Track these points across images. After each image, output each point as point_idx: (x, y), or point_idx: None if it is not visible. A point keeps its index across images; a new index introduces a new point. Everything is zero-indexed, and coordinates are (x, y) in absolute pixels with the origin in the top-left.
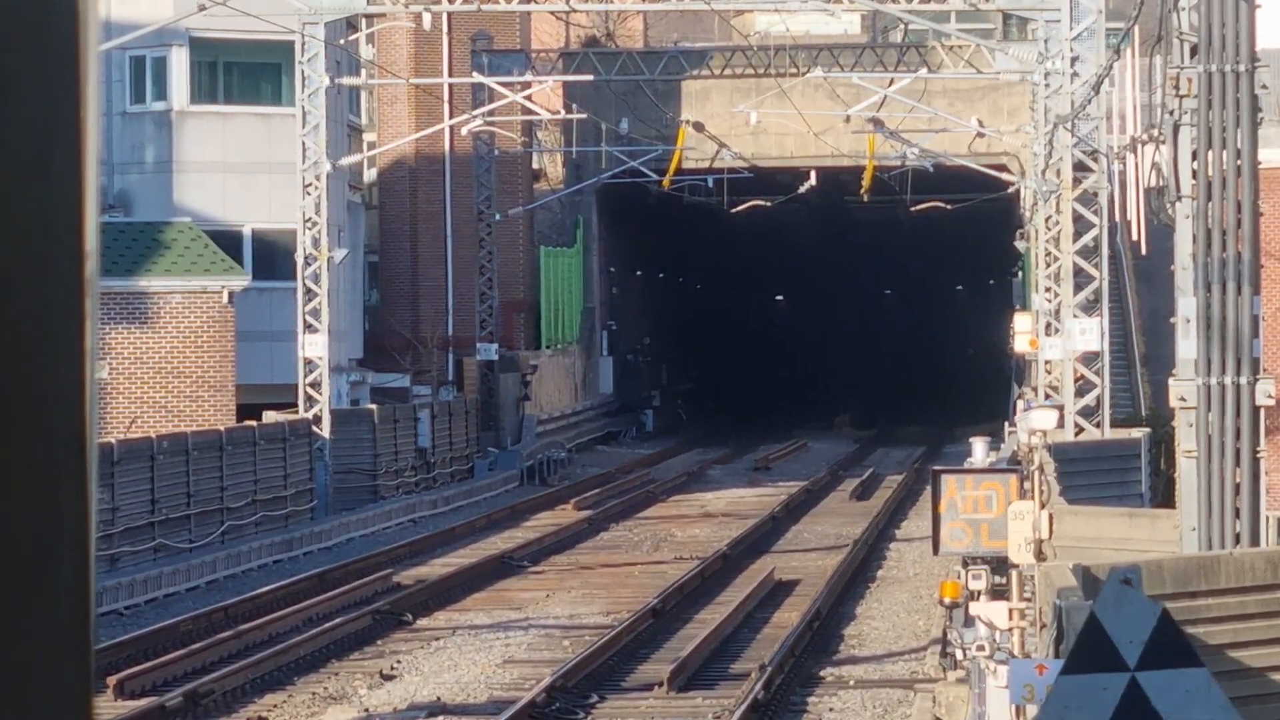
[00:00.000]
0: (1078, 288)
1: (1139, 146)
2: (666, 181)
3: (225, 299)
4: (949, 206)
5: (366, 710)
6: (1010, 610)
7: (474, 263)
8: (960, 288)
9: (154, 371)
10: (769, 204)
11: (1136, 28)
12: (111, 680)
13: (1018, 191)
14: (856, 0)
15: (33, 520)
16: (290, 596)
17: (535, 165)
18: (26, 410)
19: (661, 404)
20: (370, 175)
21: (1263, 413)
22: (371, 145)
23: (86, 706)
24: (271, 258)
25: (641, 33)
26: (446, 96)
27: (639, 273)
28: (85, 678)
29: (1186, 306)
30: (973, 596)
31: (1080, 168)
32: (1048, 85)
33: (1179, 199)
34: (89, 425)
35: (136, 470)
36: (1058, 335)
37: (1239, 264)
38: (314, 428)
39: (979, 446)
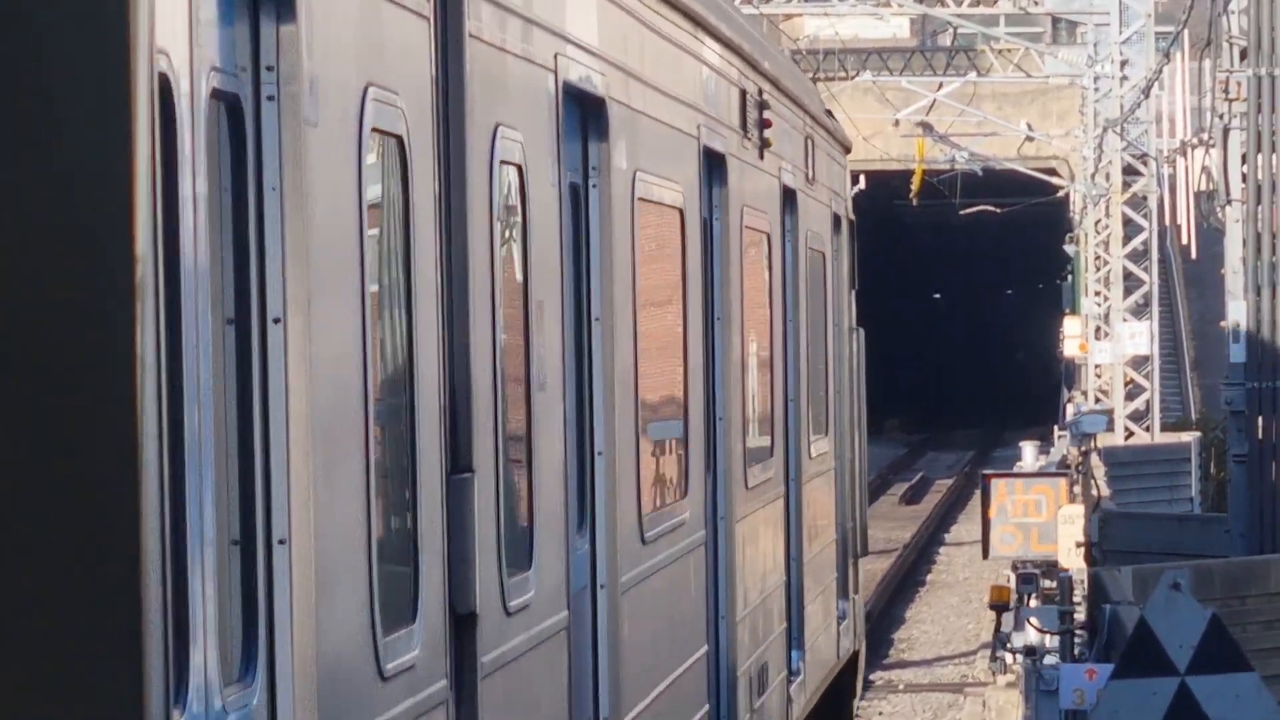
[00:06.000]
0: (1127, 291)
1: (1189, 150)
2: None
3: None
4: (998, 210)
5: None
6: (1060, 614)
7: None
8: (1010, 291)
9: None
10: None
11: (1186, 31)
12: None
13: (1067, 195)
14: (905, 4)
15: (79, 528)
16: None
17: None
18: (73, 418)
19: None
20: None
21: None
22: None
23: (138, 706)
24: None
25: None
26: None
27: None
28: (137, 680)
29: (1237, 310)
30: (1022, 600)
31: (1130, 171)
32: (1097, 89)
33: (1229, 203)
34: (143, 433)
35: None
36: (1107, 339)
37: None
38: None
39: (1028, 451)
